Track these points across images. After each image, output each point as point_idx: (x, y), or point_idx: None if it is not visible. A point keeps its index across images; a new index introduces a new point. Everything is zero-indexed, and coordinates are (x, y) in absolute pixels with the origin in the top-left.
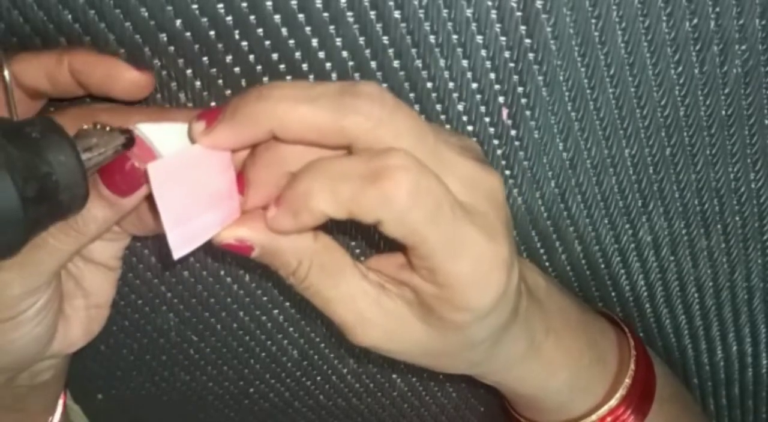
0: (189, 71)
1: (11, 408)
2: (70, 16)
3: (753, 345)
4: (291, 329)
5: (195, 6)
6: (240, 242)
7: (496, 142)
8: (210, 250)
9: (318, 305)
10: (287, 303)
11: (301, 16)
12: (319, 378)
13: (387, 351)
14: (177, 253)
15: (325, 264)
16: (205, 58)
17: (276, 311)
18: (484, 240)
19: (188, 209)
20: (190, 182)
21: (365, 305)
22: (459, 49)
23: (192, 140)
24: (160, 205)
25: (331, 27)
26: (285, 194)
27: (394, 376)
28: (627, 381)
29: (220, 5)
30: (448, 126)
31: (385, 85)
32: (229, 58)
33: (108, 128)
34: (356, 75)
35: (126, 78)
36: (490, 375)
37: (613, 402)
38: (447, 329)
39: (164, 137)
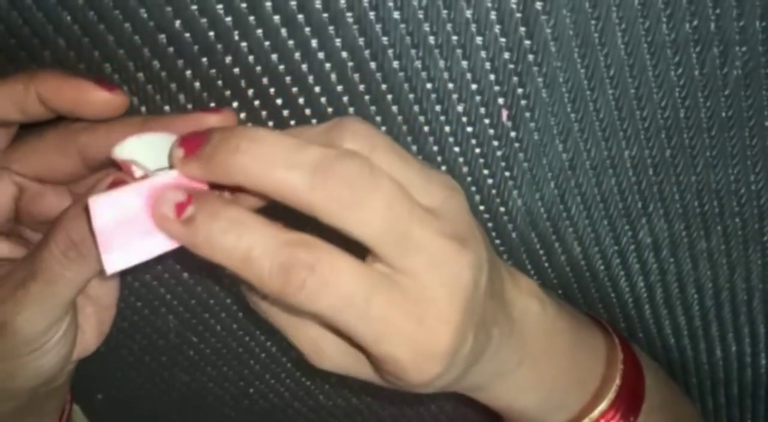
0: (188, 72)
1: (30, 413)
2: (69, 17)
3: (752, 344)
4: None
5: (194, 6)
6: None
7: (496, 143)
8: None
9: (275, 326)
10: None
11: (300, 16)
12: (318, 378)
13: (345, 375)
14: (109, 269)
15: (287, 307)
16: (204, 59)
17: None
18: (415, 330)
19: (128, 234)
20: (135, 210)
21: (325, 345)
22: (459, 50)
23: (170, 163)
24: (97, 233)
25: (331, 28)
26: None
27: None
28: (611, 395)
29: (220, 6)
30: (447, 128)
31: (384, 85)
32: (228, 59)
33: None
34: (356, 75)
35: (95, 100)
36: (453, 390)
37: (595, 414)
38: (393, 384)
39: (148, 150)
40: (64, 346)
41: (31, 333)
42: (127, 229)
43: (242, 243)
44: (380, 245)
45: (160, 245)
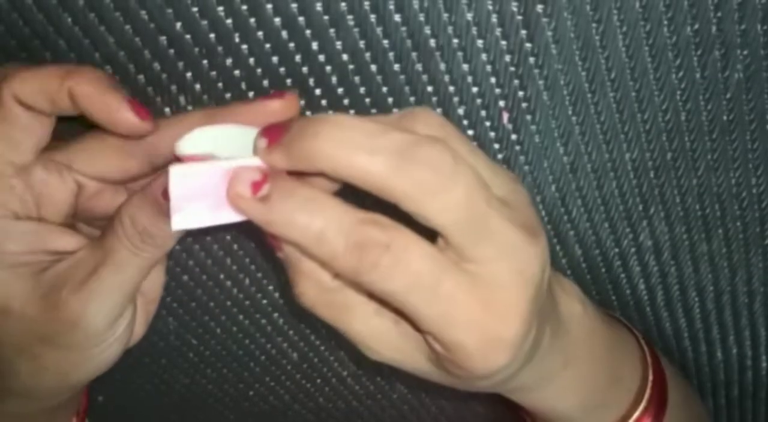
0: (189, 74)
1: (56, 408)
2: (70, 19)
3: (753, 347)
4: (291, 332)
5: (195, 9)
6: (272, 238)
7: (496, 146)
8: (210, 254)
9: (325, 319)
10: (287, 307)
11: (301, 19)
12: (318, 380)
13: (397, 367)
14: (175, 225)
15: (335, 302)
16: (205, 61)
17: (276, 314)
18: (483, 315)
19: (199, 203)
20: (210, 185)
21: (374, 340)
22: (459, 53)
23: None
24: (171, 195)
25: (332, 30)
26: (271, 199)
27: (394, 378)
28: (648, 393)
29: (220, 8)
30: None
31: (385, 88)
32: (229, 61)
33: None
34: (356, 78)
35: (122, 122)
36: (498, 391)
37: (637, 415)
38: (452, 375)
39: (212, 143)
40: (125, 337)
41: (102, 324)
42: (199, 199)
43: (316, 221)
44: (456, 233)
45: (226, 216)
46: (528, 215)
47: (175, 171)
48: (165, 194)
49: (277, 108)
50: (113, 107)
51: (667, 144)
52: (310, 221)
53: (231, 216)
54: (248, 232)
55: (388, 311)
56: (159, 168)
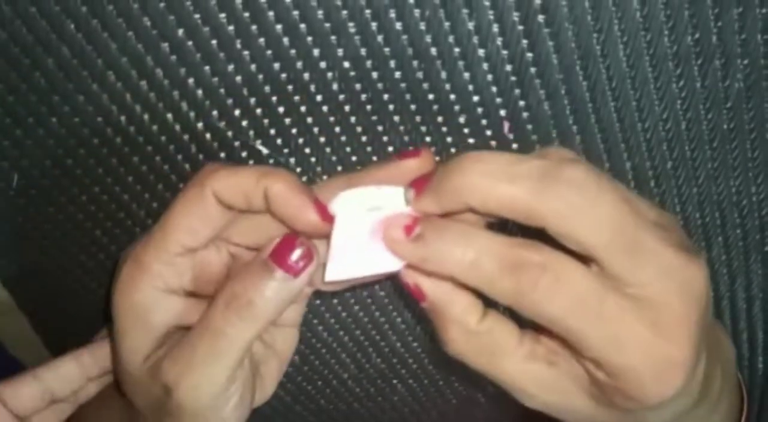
0: (191, 80)
1: None
2: (73, 26)
3: (750, 349)
4: None
5: (197, 15)
6: (416, 287)
7: None
8: None
9: (474, 367)
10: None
11: (302, 26)
12: (319, 382)
13: (555, 415)
14: (329, 276)
15: (485, 347)
16: (206, 67)
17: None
18: (652, 337)
19: (354, 253)
20: (365, 236)
21: (525, 383)
22: (461, 62)
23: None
24: (335, 229)
25: (333, 37)
26: (424, 238)
27: (395, 381)
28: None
29: (222, 15)
30: (449, 139)
31: (386, 96)
32: (230, 68)
33: None
34: (358, 85)
35: (307, 221)
36: None
37: None
38: (618, 411)
39: (358, 202)
40: (247, 401)
41: (207, 394)
42: (355, 249)
43: (469, 250)
44: (610, 254)
45: (381, 264)
46: (682, 236)
47: (339, 216)
48: (274, 254)
49: (414, 167)
50: (305, 207)
51: (667, 153)
52: (464, 251)
53: (386, 263)
54: None
55: (541, 351)
56: None
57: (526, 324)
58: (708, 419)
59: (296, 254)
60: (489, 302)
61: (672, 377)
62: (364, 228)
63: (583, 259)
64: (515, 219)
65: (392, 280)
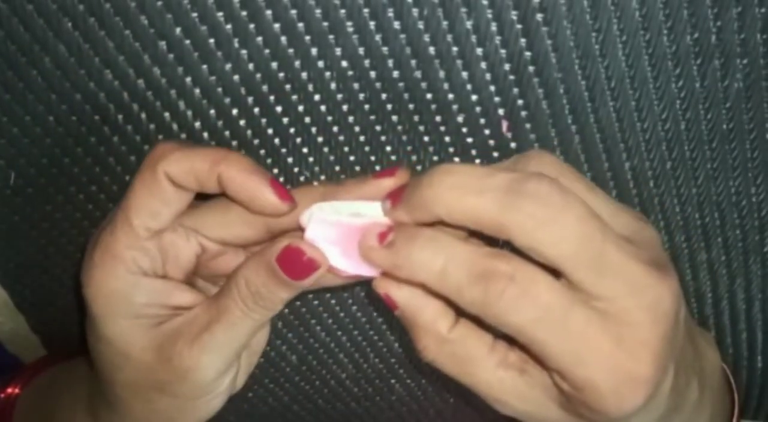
0: (188, 79)
1: None
2: (70, 24)
3: (749, 349)
4: (290, 335)
5: (195, 14)
6: (387, 296)
7: (496, 154)
8: None
9: (450, 374)
10: (285, 309)
11: (300, 25)
12: (317, 382)
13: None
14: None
15: (457, 354)
16: (204, 66)
17: (275, 317)
18: (616, 352)
19: (331, 254)
20: (341, 239)
21: (498, 391)
22: (459, 61)
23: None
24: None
25: (331, 36)
26: (396, 246)
27: (393, 381)
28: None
29: (220, 13)
30: (447, 138)
31: (384, 95)
32: (228, 67)
33: None
34: (356, 85)
35: (265, 202)
36: None
37: None
38: (586, 419)
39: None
40: (230, 389)
41: (211, 377)
42: (331, 244)
43: (438, 257)
44: (575, 266)
45: (352, 268)
46: (656, 254)
47: (313, 222)
48: (280, 258)
49: (389, 185)
50: (261, 189)
51: (666, 153)
52: (432, 258)
53: (355, 269)
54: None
55: (513, 359)
56: (276, 235)
57: (499, 334)
58: None
59: (303, 264)
60: (461, 312)
61: (632, 393)
62: (345, 228)
63: (554, 272)
64: (483, 231)
65: (368, 285)
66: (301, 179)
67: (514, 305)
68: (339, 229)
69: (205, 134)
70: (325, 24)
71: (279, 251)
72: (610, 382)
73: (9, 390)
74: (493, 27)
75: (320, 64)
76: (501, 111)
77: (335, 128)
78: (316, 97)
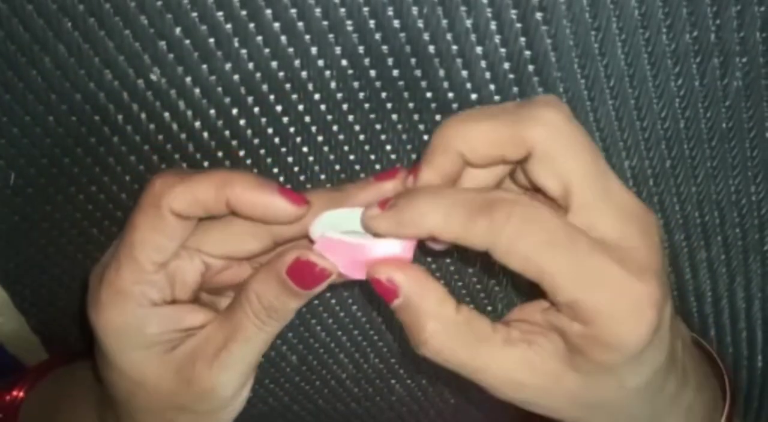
0: (188, 79)
1: None
2: (69, 24)
3: (749, 347)
4: (290, 334)
5: (194, 14)
6: (389, 282)
7: None
8: None
9: (465, 375)
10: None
11: (300, 24)
12: (317, 382)
13: (541, 407)
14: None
15: (465, 337)
16: (204, 66)
17: None
18: (624, 274)
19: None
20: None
21: (511, 369)
22: (458, 60)
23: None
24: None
25: (331, 35)
26: (398, 206)
27: (393, 381)
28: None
29: (220, 13)
30: None
31: (384, 94)
32: (228, 66)
33: None
34: (355, 83)
35: (279, 211)
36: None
37: None
38: (599, 373)
39: (338, 224)
40: (247, 397)
41: (231, 392)
42: (336, 257)
43: (441, 203)
44: (586, 186)
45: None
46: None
47: (322, 237)
48: (290, 270)
49: (390, 188)
50: (273, 200)
51: (666, 152)
52: (435, 206)
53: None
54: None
55: (516, 334)
56: (280, 245)
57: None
58: (679, 398)
59: (314, 275)
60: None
61: (646, 314)
62: (351, 246)
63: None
64: (503, 156)
65: (365, 285)
66: (301, 178)
67: (522, 229)
68: (344, 246)
69: (205, 134)
70: (325, 23)
71: (289, 263)
72: (623, 304)
73: (14, 393)
74: (493, 26)
75: (320, 63)
76: None
77: (335, 127)
78: (316, 96)
